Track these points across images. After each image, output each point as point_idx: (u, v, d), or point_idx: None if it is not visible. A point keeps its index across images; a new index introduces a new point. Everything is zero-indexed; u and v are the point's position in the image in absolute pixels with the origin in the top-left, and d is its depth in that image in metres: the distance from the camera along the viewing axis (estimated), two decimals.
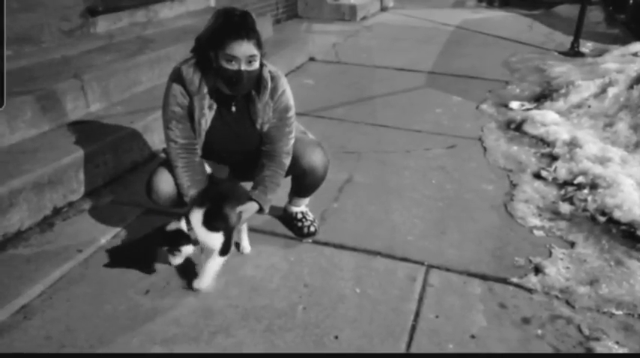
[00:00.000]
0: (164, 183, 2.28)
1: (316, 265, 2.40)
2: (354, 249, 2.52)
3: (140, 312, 2.09)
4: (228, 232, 2.13)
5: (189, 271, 2.29)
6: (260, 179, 2.30)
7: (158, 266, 2.31)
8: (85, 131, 3.08)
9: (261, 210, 2.28)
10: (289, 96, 2.29)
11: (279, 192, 2.37)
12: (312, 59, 5.81)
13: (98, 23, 4.29)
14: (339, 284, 2.28)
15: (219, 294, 2.19)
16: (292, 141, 2.34)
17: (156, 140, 3.35)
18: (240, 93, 2.17)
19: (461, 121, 4.14)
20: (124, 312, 2.08)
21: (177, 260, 2.12)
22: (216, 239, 2.09)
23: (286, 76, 4.95)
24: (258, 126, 2.26)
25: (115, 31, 4.41)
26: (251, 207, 2.25)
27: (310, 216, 2.66)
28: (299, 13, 8.05)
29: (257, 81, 2.17)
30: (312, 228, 2.61)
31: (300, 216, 2.64)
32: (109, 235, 2.57)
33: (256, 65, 2.08)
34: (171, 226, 2.08)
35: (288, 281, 2.29)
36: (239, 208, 2.20)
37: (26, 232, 2.55)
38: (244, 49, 2.01)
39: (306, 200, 2.65)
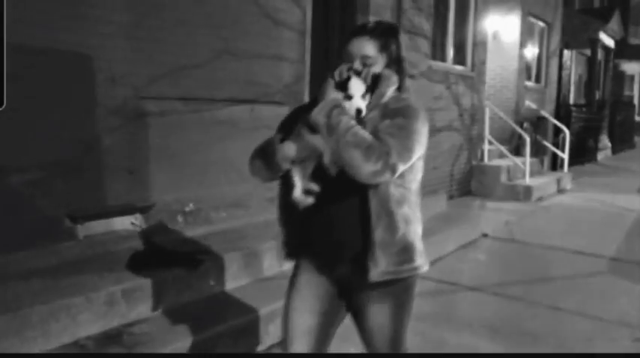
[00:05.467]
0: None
1: None
2: None
3: None
4: None
5: None
6: None
7: None
8: (276, 287, 3.46)
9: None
10: (413, 111, 1.81)
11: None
12: (484, 235, 5.90)
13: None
14: None
15: None
16: (396, 148, 1.70)
17: None
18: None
19: None
20: None
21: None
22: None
23: (457, 250, 5.16)
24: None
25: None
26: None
27: None
28: (472, 190, 8.32)
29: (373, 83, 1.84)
30: None
31: None
32: None
33: (374, 70, 1.84)
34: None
35: None
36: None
37: None
38: (358, 46, 1.85)
39: None
